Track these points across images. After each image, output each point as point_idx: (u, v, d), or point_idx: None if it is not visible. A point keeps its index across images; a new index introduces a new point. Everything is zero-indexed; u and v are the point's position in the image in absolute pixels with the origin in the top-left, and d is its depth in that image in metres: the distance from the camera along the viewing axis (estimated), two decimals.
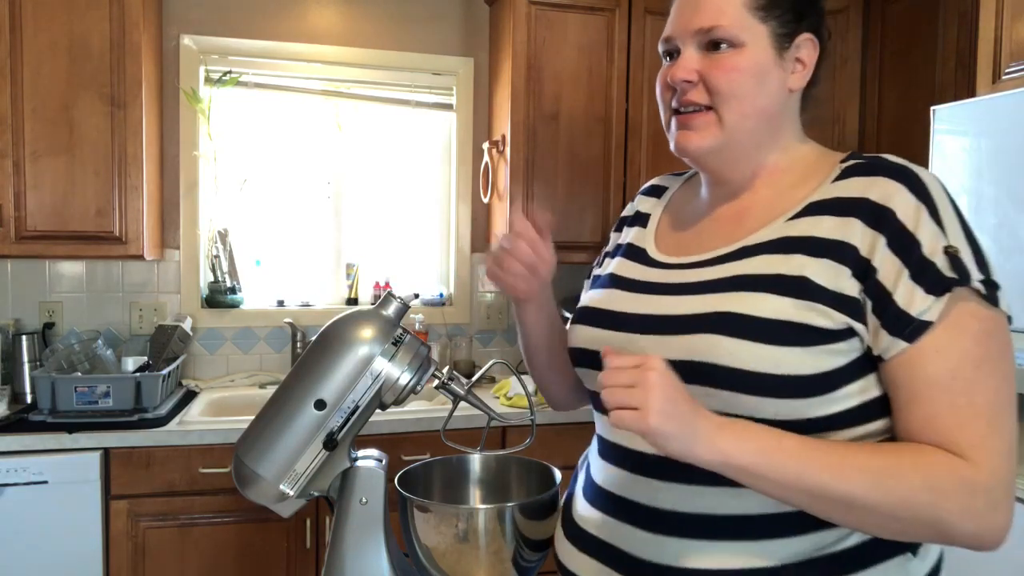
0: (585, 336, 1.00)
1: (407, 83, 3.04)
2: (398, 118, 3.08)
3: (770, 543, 0.84)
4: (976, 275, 0.79)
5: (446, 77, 3.07)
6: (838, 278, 0.82)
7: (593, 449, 1.04)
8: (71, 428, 2.17)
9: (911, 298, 0.79)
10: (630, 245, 1.07)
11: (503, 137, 2.83)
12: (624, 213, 1.16)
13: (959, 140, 1.99)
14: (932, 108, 2.08)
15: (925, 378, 0.78)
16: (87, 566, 2.17)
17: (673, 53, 0.94)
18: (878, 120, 2.67)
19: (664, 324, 0.90)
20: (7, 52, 2.31)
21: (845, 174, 0.88)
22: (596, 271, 1.13)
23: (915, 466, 0.77)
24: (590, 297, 1.05)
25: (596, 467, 1.00)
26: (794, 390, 0.81)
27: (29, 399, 2.48)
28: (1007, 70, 1.97)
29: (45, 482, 2.13)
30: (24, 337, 2.54)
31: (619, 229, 1.14)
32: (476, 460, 1.16)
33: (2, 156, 2.32)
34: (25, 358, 2.52)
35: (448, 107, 3.10)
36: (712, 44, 0.90)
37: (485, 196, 2.99)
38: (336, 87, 2.98)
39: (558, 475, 1.08)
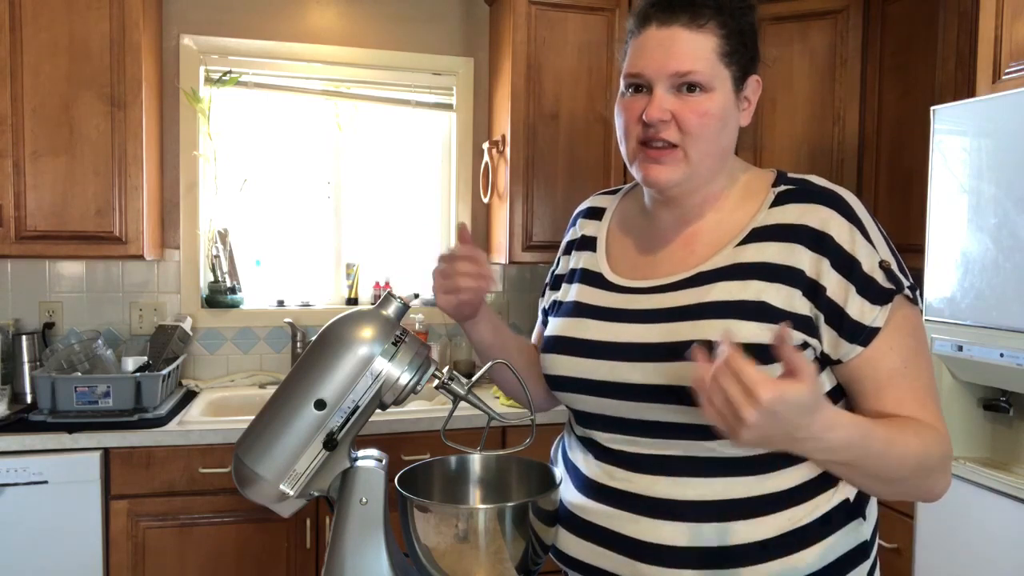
0: (564, 365, 1.06)
1: (407, 83, 3.04)
2: (398, 118, 3.08)
3: (753, 521, 0.95)
4: (905, 283, 0.95)
5: (446, 77, 3.07)
6: (791, 300, 0.94)
7: (573, 444, 1.12)
8: (71, 428, 2.17)
9: (861, 310, 0.93)
10: (585, 270, 1.13)
11: (503, 137, 2.83)
12: (568, 237, 1.21)
13: (959, 140, 1.99)
14: (932, 108, 2.08)
15: (886, 370, 0.94)
16: (87, 566, 2.17)
17: (641, 88, 0.99)
18: (878, 120, 2.67)
19: (645, 352, 0.98)
20: (7, 52, 2.31)
21: (780, 200, 0.99)
22: (554, 296, 1.18)
23: (937, 442, 0.92)
24: (559, 326, 1.10)
25: (583, 461, 1.07)
26: None
27: (29, 399, 2.48)
28: (1007, 70, 1.97)
29: (45, 482, 2.13)
30: (24, 337, 2.54)
31: (567, 253, 1.20)
32: (476, 460, 1.16)
33: (2, 156, 2.32)
34: (25, 358, 2.52)
35: (448, 107, 3.10)
36: (685, 87, 0.96)
37: (485, 196, 2.99)
38: (336, 87, 2.98)
39: (558, 475, 1.08)
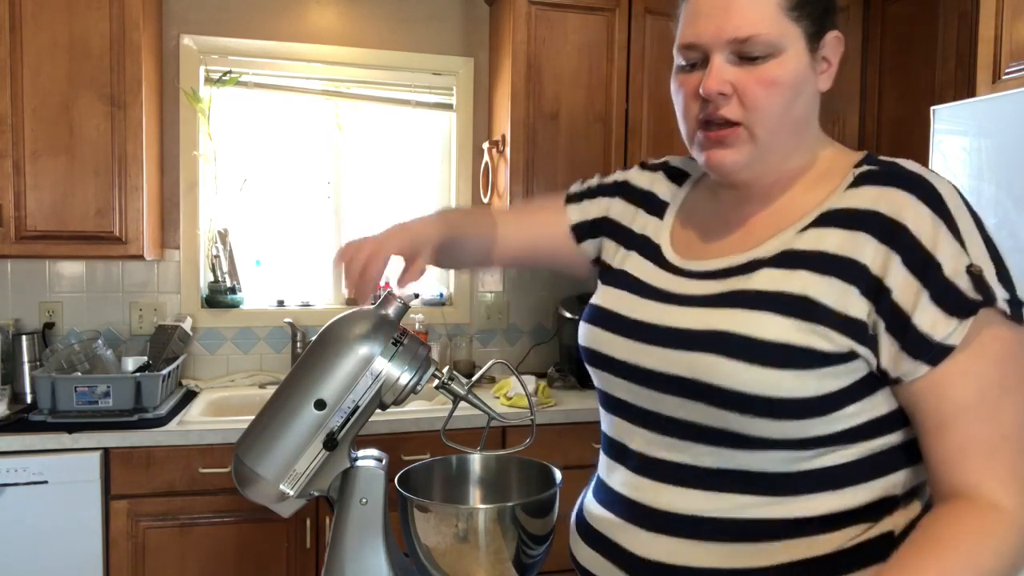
0: (594, 337, 0.98)
1: (407, 83, 3.04)
2: (398, 118, 3.08)
3: (768, 545, 0.84)
4: (1001, 294, 0.76)
5: (446, 77, 3.07)
6: (844, 298, 0.79)
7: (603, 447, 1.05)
8: (71, 428, 2.17)
9: (934, 321, 0.76)
10: (646, 240, 1.01)
11: (503, 137, 2.83)
12: (641, 184, 1.07)
13: (959, 140, 1.99)
14: (932, 108, 2.08)
15: (953, 403, 0.77)
16: (87, 566, 2.17)
17: (697, 62, 0.85)
18: (878, 120, 2.67)
19: (666, 337, 0.88)
20: (7, 52, 2.31)
21: (859, 181, 0.84)
22: (589, 209, 1.10)
23: (991, 539, 0.74)
24: (605, 296, 1.00)
25: (603, 466, 1.02)
26: (793, 412, 0.80)
27: (29, 399, 2.48)
28: (1007, 70, 1.97)
29: (45, 482, 2.13)
30: (24, 337, 2.54)
31: (638, 204, 1.06)
32: (476, 460, 1.16)
33: (2, 156, 2.32)
34: (25, 358, 2.52)
35: (448, 107, 3.10)
36: (748, 54, 0.82)
37: (485, 196, 2.99)
38: (336, 87, 2.98)
39: (558, 475, 1.08)
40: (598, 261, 1.10)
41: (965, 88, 2.24)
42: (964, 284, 0.76)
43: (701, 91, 0.83)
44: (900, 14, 2.58)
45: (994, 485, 0.75)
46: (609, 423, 1.00)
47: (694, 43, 0.84)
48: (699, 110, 0.86)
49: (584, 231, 1.10)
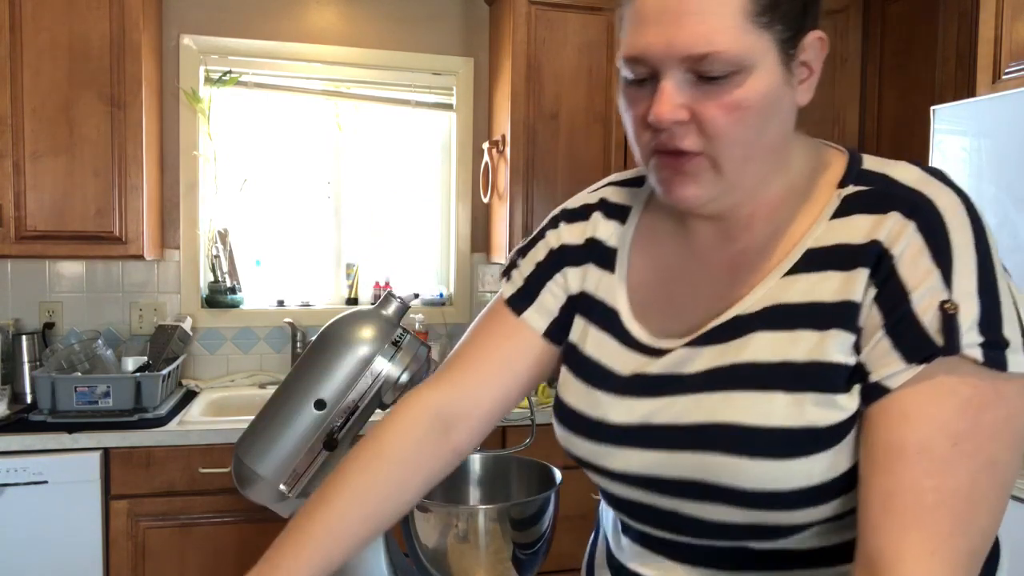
0: (574, 445, 0.82)
1: (407, 83, 3.04)
2: (398, 118, 3.08)
3: None
4: (973, 339, 0.62)
5: (446, 77, 3.07)
6: (847, 351, 0.67)
7: (615, 525, 0.90)
8: (71, 428, 2.17)
9: (880, 359, 0.65)
10: (602, 305, 0.83)
11: (503, 137, 2.83)
12: (578, 240, 0.88)
13: (959, 140, 1.99)
14: (932, 108, 2.08)
15: (885, 444, 0.63)
16: (87, 566, 2.17)
17: (645, 79, 0.69)
18: (878, 120, 2.67)
19: (664, 437, 0.74)
20: (7, 52, 2.31)
21: (846, 208, 0.70)
22: (521, 269, 0.90)
23: None
24: (572, 392, 0.83)
25: (613, 535, 0.89)
26: (835, 492, 0.68)
27: (29, 399, 2.48)
28: (1007, 70, 1.97)
29: (45, 482, 2.13)
30: (24, 337, 2.54)
31: (575, 263, 0.87)
32: (476, 460, 1.16)
33: (2, 156, 2.32)
34: (25, 358, 2.52)
35: (448, 107, 3.10)
36: (707, 73, 0.66)
37: (485, 196, 2.99)
38: (336, 87, 2.98)
39: (558, 475, 1.08)
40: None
41: (965, 88, 2.24)
42: (930, 322, 0.63)
43: (650, 119, 0.68)
44: (900, 14, 2.58)
45: (917, 560, 0.60)
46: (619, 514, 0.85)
47: (641, 56, 0.68)
48: (650, 138, 0.71)
49: (557, 330, 0.88)
